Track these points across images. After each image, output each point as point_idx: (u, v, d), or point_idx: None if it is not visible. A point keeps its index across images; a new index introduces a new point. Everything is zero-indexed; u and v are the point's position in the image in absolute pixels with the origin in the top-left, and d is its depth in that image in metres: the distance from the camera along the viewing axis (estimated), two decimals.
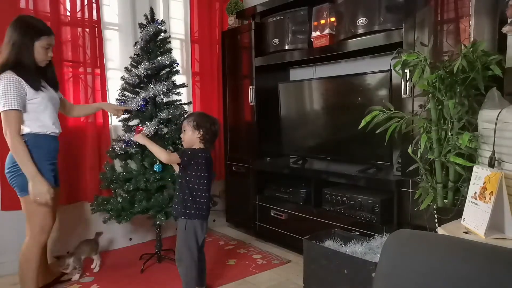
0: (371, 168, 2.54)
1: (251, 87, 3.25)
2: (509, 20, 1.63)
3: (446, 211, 1.62)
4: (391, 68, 1.93)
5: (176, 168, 2.26)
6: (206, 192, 2.14)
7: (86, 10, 2.78)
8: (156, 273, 2.62)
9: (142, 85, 2.65)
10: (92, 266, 2.67)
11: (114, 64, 3.01)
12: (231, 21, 3.47)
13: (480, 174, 1.36)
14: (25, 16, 2.17)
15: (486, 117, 1.47)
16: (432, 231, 1.73)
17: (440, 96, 1.64)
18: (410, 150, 1.76)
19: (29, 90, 1.95)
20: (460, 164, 1.56)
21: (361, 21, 2.46)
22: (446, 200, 1.69)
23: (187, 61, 3.37)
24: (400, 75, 1.81)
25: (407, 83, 2.13)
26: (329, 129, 2.88)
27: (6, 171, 2.01)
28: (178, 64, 2.76)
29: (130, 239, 3.16)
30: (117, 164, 2.73)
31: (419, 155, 1.72)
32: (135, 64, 2.66)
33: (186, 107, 2.84)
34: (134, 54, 2.70)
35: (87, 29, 2.80)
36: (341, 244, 2.10)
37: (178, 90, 2.76)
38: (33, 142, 1.98)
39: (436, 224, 1.66)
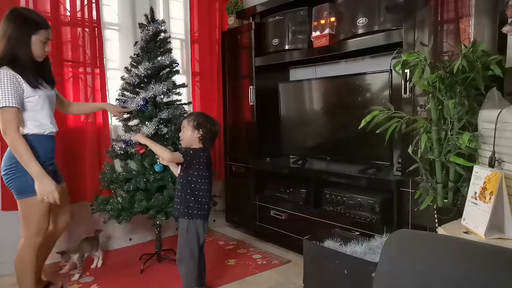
0: (371, 168, 2.54)
1: (251, 87, 3.25)
2: (509, 20, 1.63)
3: (446, 211, 1.62)
4: (391, 68, 1.93)
5: (174, 171, 2.27)
6: (207, 192, 2.15)
7: (86, 10, 2.78)
8: (156, 273, 2.62)
9: (142, 85, 2.65)
10: (93, 266, 2.67)
11: (114, 64, 3.01)
12: (231, 21, 3.47)
13: (480, 174, 1.36)
14: (20, 8, 2.05)
15: (486, 117, 1.47)
16: (432, 231, 1.73)
17: (440, 96, 1.64)
18: (410, 150, 1.76)
19: (26, 87, 1.85)
20: (460, 164, 1.56)
21: (361, 21, 2.46)
22: (446, 200, 1.69)
23: (187, 61, 3.37)
24: (400, 75, 1.81)
25: (407, 83, 2.13)
26: (329, 129, 2.88)
27: (2, 173, 1.93)
28: (178, 64, 2.76)
29: (130, 239, 3.16)
30: (117, 164, 2.73)
31: (419, 155, 1.72)
32: (135, 64, 2.66)
33: (186, 107, 2.84)
34: (134, 54, 2.70)
35: (87, 29, 2.80)
36: (341, 244, 2.10)
37: (178, 90, 2.76)
38: (30, 143, 1.88)
39: (436, 224, 1.67)
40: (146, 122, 2.54)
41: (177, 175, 2.22)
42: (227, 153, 3.57)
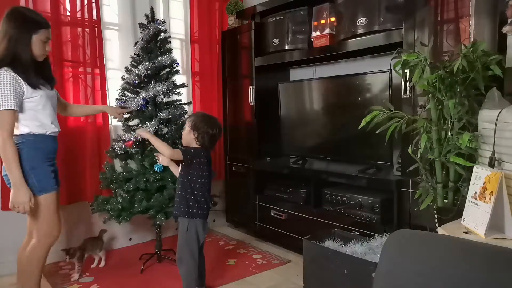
0: (371, 168, 2.54)
1: (251, 87, 3.25)
2: (509, 20, 1.63)
3: (446, 211, 1.62)
4: (391, 68, 1.93)
5: (175, 171, 2.27)
6: (207, 192, 2.15)
7: (86, 10, 2.78)
8: (156, 273, 2.62)
9: (142, 85, 2.65)
10: (93, 266, 2.67)
11: (114, 64, 3.01)
12: (231, 21, 3.47)
13: (480, 174, 1.36)
14: (19, 7, 2.03)
15: (486, 117, 1.47)
16: (432, 231, 1.73)
17: (440, 96, 1.64)
18: (410, 150, 1.76)
19: (26, 88, 1.84)
20: (460, 164, 1.56)
21: (361, 21, 2.46)
22: (446, 200, 1.69)
23: (187, 61, 3.37)
24: (400, 75, 1.81)
25: (407, 83, 2.13)
26: (329, 129, 2.88)
27: (4, 173, 1.92)
28: (178, 64, 2.76)
29: (130, 239, 3.16)
30: (117, 164, 2.73)
31: (419, 155, 1.72)
32: (135, 64, 2.66)
33: (186, 107, 2.84)
34: (134, 54, 2.70)
35: (87, 29, 2.80)
36: (341, 244, 2.10)
37: (178, 90, 2.76)
38: (32, 143, 1.89)
39: (436, 224, 1.67)
40: (146, 122, 2.54)
41: (177, 175, 2.23)
42: (227, 153, 3.57)
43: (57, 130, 2.03)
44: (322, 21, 2.79)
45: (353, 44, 2.52)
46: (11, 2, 2.45)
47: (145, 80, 2.63)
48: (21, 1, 2.54)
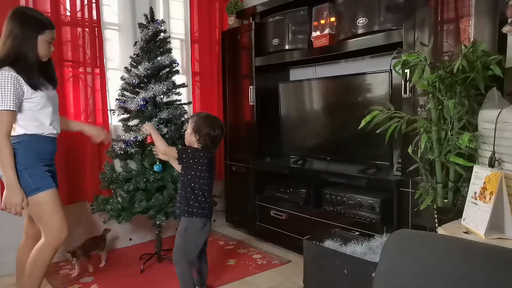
0: (371, 168, 2.54)
1: (251, 87, 3.25)
2: (509, 20, 1.63)
3: (446, 211, 1.62)
4: (391, 68, 1.93)
5: (176, 166, 2.26)
6: (208, 192, 2.14)
7: (86, 10, 2.78)
8: (156, 273, 2.62)
9: (142, 85, 2.65)
10: (90, 270, 2.67)
11: (114, 64, 3.01)
12: (231, 21, 3.47)
13: (480, 174, 1.36)
14: (24, 7, 2.03)
15: (486, 117, 1.47)
16: (432, 231, 1.73)
17: (440, 96, 1.64)
18: (410, 150, 1.76)
19: (27, 88, 1.82)
20: (460, 164, 1.56)
21: (361, 21, 2.46)
22: (446, 200, 1.69)
23: (187, 61, 3.37)
24: (400, 75, 1.81)
25: (407, 83, 2.13)
26: (329, 129, 2.88)
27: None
28: (178, 64, 2.76)
29: (130, 239, 3.16)
30: (117, 164, 2.73)
31: (419, 155, 1.72)
32: (135, 64, 2.66)
33: (186, 107, 2.84)
34: (134, 54, 2.70)
35: (87, 29, 2.80)
36: (341, 244, 2.10)
37: (178, 90, 2.76)
38: (28, 143, 1.86)
39: (436, 224, 1.67)
40: (146, 122, 2.54)
41: (179, 170, 2.22)
42: (227, 153, 3.57)
43: (56, 132, 1.99)
44: (322, 21, 2.79)
45: (353, 44, 2.52)
46: (11, 2, 2.45)
47: (145, 80, 2.63)
48: (21, 1, 2.53)
